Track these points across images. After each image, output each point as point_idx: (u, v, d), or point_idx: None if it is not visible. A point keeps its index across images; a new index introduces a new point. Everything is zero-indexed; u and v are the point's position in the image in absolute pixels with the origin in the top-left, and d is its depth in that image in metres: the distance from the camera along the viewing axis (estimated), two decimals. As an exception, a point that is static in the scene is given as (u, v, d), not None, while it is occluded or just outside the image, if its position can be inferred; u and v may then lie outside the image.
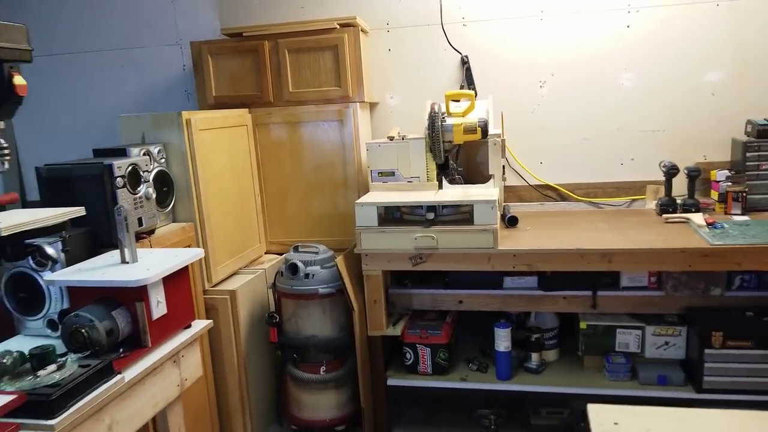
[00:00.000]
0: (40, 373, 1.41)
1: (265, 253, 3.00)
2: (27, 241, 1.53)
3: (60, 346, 1.52)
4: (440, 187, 2.63)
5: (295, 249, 2.65)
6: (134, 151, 2.23)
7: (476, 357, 2.68)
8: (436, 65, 3.05)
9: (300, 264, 2.53)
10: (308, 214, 2.94)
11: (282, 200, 2.97)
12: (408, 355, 2.59)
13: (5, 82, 1.36)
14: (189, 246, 2.39)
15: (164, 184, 2.36)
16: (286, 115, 2.89)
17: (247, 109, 2.91)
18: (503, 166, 2.70)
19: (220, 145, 2.62)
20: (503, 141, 2.69)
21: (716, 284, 2.34)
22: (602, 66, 2.91)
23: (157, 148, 2.35)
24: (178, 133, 2.41)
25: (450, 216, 2.47)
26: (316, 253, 2.59)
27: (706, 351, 2.27)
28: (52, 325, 1.79)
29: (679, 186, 2.73)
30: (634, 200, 2.95)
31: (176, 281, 1.77)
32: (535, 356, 2.55)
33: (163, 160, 2.38)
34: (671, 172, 2.68)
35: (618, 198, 2.96)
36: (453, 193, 2.54)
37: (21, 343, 1.70)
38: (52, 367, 1.43)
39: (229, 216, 2.66)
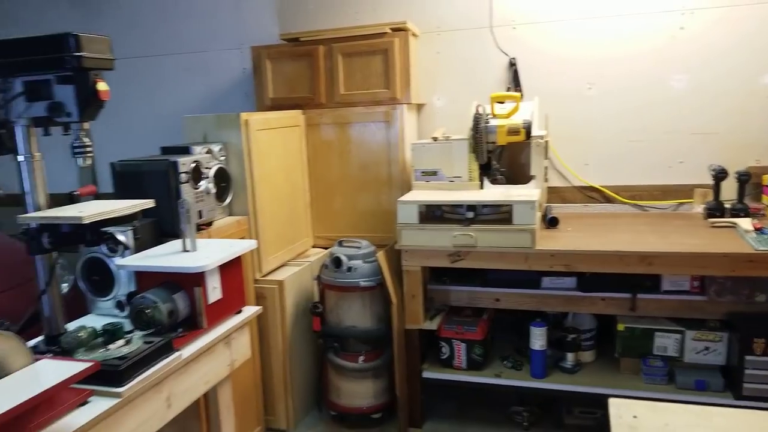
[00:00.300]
0: (110, 347, 1.60)
1: (312, 247, 3.16)
2: (102, 229, 1.72)
3: (127, 325, 1.70)
4: (482, 187, 2.70)
5: (340, 243, 2.79)
6: (197, 149, 2.42)
7: (511, 355, 2.75)
8: (483, 68, 3.12)
9: (343, 258, 2.67)
10: (353, 210, 3.08)
11: (329, 197, 3.12)
12: (444, 350, 2.68)
13: (91, 88, 1.55)
14: (243, 238, 2.57)
15: (223, 180, 2.55)
16: (336, 116, 3.04)
17: (300, 111, 3.07)
18: (545, 167, 2.75)
19: (274, 145, 2.79)
20: (546, 142, 2.74)
21: (761, 290, 2.32)
22: (653, 68, 2.91)
23: (218, 147, 2.54)
24: (236, 133, 2.59)
25: (490, 215, 2.55)
26: (359, 247, 2.73)
27: (747, 358, 2.27)
28: (120, 305, 1.99)
29: (730, 190, 2.70)
30: (681, 204, 2.93)
31: (230, 269, 1.93)
32: (570, 356, 2.60)
33: (223, 158, 2.56)
34: (720, 175, 2.66)
35: (664, 201, 2.95)
36: (494, 193, 2.62)
37: (93, 321, 1.90)
38: (121, 342, 1.62)
39: (280, 211, 2.83)
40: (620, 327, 2.50)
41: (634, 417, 1.24)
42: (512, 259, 2.45)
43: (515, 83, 3.07)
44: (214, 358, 1.86)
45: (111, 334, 1.64)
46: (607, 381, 2.51)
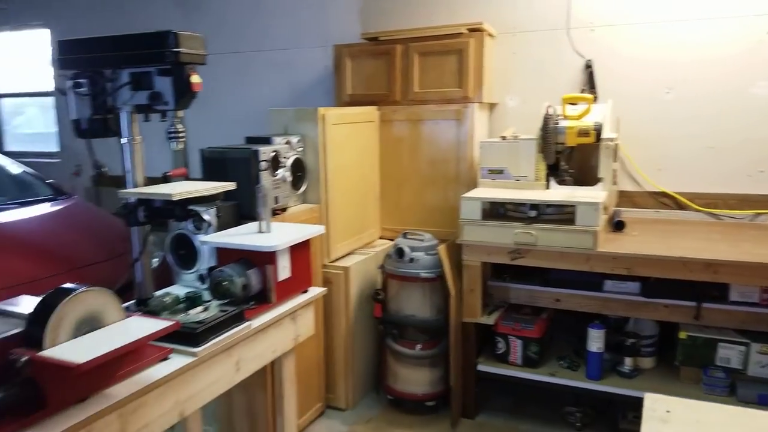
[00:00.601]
0: (190, 312, 1.79)
1: (379, 238, 3.29)
2: (190, 207, 1.92)
3: (206, 295, 1.90)
4: (548, 187, 2.73)
5: (404, 235, 2.91)
6: (277, 140, 2.61)
7: (568, 355, 2.77)
8: (558, 69, 3.13)
9: (406, 249, 2.78)
10: (421, 204, 3.18)
11: (398, 191, 3.23)
12: (500, 345, 2.74)
13: (185, 80, 1.74)
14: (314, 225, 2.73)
15: (299, 170, 2.73)
16: (409, 113, 3.15)
17: (375, 107, 3.20)
18: (614, 171, 2.74)
19: (348, 139, 2.94)
20: (616, 145, 2.72)
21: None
22: (735, 73, 2.82)
23: (296, 138, 2.72)
24: (314, 126, 2.76)
25: (553, 215, 2.58)
26: (422, 240, 2.83)
27: (816, 376, 2.18)
28: (201, 278, 2.20)
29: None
30: (759, 214, 2.82)
31: (300, 251, 2.10)
32: (628, 361, 2.58)
33: (300, 149, 2.74)
34: (802, 188, 2.55)
35: (741, 211, 2.85)
36: (559, 193, 2.64)
37: (177, 291, 2.12)
38: (199, 308, 1.82)
39: (350, 201, 2.98)
40: (682, 335, 2.47)
41: (667, 411, 1.28)
42: (573, 260, 2.48)
43: (590, 85, 3.06)
44: (280, 331, 2.03)
45: (192, 301, 1.85)
46: (665, 388, 2.46)
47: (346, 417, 2.90)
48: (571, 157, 2.89)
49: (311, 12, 3.73)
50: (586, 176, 2.86)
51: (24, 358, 1.29)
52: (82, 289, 1.40)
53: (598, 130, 2.62)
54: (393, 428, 2.79)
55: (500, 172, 2.82)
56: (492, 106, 3.31)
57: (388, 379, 2.96)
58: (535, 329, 2.70)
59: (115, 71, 1.79)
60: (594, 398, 2.64)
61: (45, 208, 3.40)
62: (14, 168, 3.87)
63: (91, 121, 1.81)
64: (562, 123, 2.69)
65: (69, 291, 1.39)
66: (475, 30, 2.99)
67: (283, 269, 2.02)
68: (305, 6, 3.75)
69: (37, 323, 1.33)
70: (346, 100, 3.31)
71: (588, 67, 3.06)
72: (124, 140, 1.82)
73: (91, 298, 1.43)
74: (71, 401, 1.35)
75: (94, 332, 1.41)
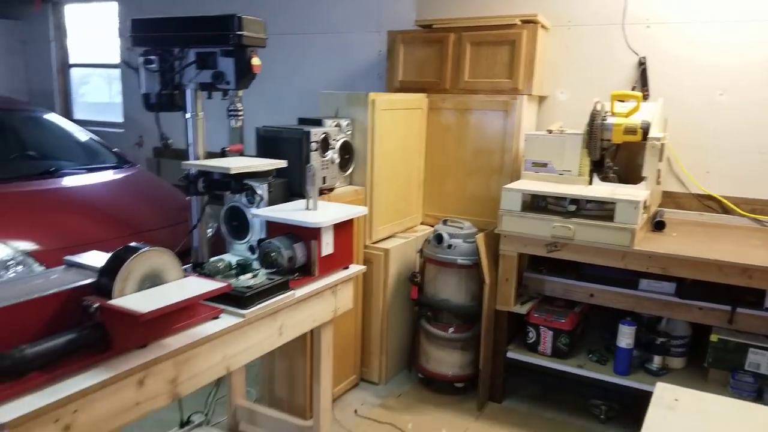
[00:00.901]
0: (240, 278, 1.94)
1: (421, 224, 3.39)
2: (245, 181, 2.07)
3: (255, 264, 2.05)
4: (590, 182, 2.76)
5: (444, 222, 3.00)
6: (328, 122, 2.73)
7: (599, 350, 2.81)
8: (611, 65, 3.13)
9: (445, 235, 2.87)
10: (463, 193, 3.25)
11: (442, 178, 3.31)
12: (530, 334, 2.81)
13: (247, 62, 1.88)
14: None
15: (347, 152, 2.84)
16: (457, 101, 3.21)
17: (425, 94, 3.28)
18: (659, 170, 2.74)
19: (396, 124, 3.04)
20: (663, 145, 2.72)
21: None
22: (794, 79, 2.76)
23: (346, 122, 2.83)
24: (363, 111, 2.86)
25: (593, 211, 2.61)
26: (461, 228, 2.91)
27: None
28: (251, 249, 2.35)
29: None
30: (807, 224, 2.78)
31: (343, 230, 2.22)
32: (657, 359, 2.61)
33: (349, 132, 2.85)
34: None
35: (788, 219, 2.82)
36: (600, 189, 2.67)
37: (229, 258, 2.28)
38: (249, 275, 1.96)
39: (394, 186, 3.08)
40: (713, 338, 2.48)
41: (675, 400, 1.34)
42: (608, 256, 2.52)
43: (642, 83, 3.05)
44: (321, 302, 2.16)
45: (242, 268, 2.00)
46: (691, 388, 2.49)
47: (378, 390, 3.03)
48: (617, 155, 2.91)
49: (369, -3, 3.82)
50: (631, 174, 2.87)
51: (95, 305, 1.46)
52: (148, 248, 1.56)
53: (645, 128, 2.63)
54: (422, 405, 2.91)
55: (544, 165, 2.86)
56: (542, 99, 3.34)
57: (421, 358, 3.07)
58: (566, 321, 2.76)
59: (182, 50, 1.94)
60: (621, 393, 2.68)
61: (110, 175, 3.65)
62: (82, 135, 4.14)
63: (159, 95, 1.97)
64: (610, 120, 2.71)
65: (136, 249, 1.55)
66: (529, 22, 3.02)
67: (327, 245, 2.14)
68: (363, -9, 3.84)
69: (107, 275, 1.50)
70: (397, 86, 3.40)
71: (641, 64, 3.05)
72: (188, 115, 1.97)
73: (155, 256, 1.58)
74: (133, 346, 1.51)
75: (156, 287, 1.57)
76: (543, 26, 3.11)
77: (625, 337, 2.60)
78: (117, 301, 1.46)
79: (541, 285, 2.86)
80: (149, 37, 1.96)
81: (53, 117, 4.28)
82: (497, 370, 2.89)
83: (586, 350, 2.85)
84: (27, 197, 3.15)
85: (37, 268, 2.60)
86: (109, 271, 1.50)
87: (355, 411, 2.83)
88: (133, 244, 1.58)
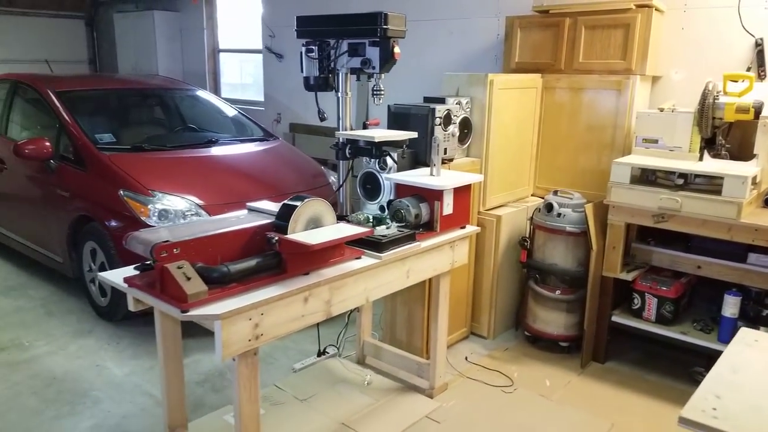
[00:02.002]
0: (378, 229, 2.35)
1: (532, 195, 3.63)
2: (384, 148, 2.46)
3: (387, 220, 2.44)
4: (701, 159, 2.88)
5: (555, 193, 3.23)
6: (450, 100, 3.05)
7: (703, 320, 2.94)
8: (727, 46, 3.17)
9: (555, 204, 3.11)
10: (574, 167, 3.45)
11: (554, 153, 3.53)
12: (636, 301, 2.99)
13: (390, 50, 2.25)
14: (475, 176, 3.16)
15: (466, 127, 3.16)
16: (571, 81, 3.40)
17: (539, 75, 3.50)
18: (772, 149, 2.79)
19: (511, 102, 3.30)
20: (777, 124, 2.77)
21: None
22: None
23: (466, 100, 3.14)
24: (482, 90, 3.16)
25: (701, 186, 2.74)
26: (571, 198, 3.14)
27: None
28: (382, 208, 2.76)
29: None
30: None
31: (461, 193, 2.56)
32: (763, 330, 2.70)
33: (468, 109, 3.16)
34: None
35: None
36: (710, 165, 2.78)
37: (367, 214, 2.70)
38: (383, 227, 2.37)
39: (507, 159, 3.36)
40: (821, 311, 2.54)
41: (756, 341, 1.55)
42: (715, 228, 2.64)
43: (759, 64, 3.07)
44: (441, 254, 2.53)
45: (378, 221, 2.41)
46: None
47: (486, 344, 3.36)
48: (729, 133, 2.98)
49: (490, -16, 4.07)
50: (744, 152, 2.94)
51: (275, 238, 1.92)
52: (312, 198, 2.00)
53: (758, 108, 2.69)
54: (528, 358, 3.20)
55: (655, 141, 3.00)
56: (655, 79, 3.43)
57: (528, 318, 3.35)
58: (671, 290, 2.91)
59: (337, 41, 2.35)
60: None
61: (257, 146, 4.24)
62: (231, 111, 4.79)
63: (317, 78, 2.40)
64: (722, 99, 2.80)
65: (303, 197, 1.99)
66: (643, 6, 3.14)
67: (447, 206, 2.49)
68: (484, -21, 4.09)
69: (283, 217, 1.95)
70: (513, 67, 3.64)
71: (758, 45, 3.07)
72: (339, 94, 2.39)
73: (317, 204, 2.02)
74: (300, 272, 1.96)
75: (318, 229, 2.01)
76: (658, 9, 3.21)
77: (730, 306, 2.72)
78: (291, 236, 1.91)
79: (648, 255, 3.02)
80: (311, 31, 2.39)
81: (207, 95, 4.99)
82: (601, 332, 3.11)
83: (691, 320, 2.98)
84: (195, 162, 3.79)
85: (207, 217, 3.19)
86: (285, 214, 1.96)
87: (466, 357, 3.18)
88: (302, 194, 2.03)
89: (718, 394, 1.29)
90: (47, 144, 3.70)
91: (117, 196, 3.30)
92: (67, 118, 3.80)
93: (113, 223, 3.30)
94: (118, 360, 3.14)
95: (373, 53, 2.25)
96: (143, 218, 3.18)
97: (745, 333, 1.60)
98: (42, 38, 7.12)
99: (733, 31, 3.14)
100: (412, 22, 4.55)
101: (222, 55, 6.55)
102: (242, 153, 4.10)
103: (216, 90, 6.49)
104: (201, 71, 6.51)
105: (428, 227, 2.49)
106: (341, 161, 2.44)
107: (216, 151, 4.03)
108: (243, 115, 4.76)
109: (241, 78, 6.75)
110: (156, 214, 3.20)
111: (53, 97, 3.95)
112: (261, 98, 5.96)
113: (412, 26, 4.54)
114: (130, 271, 1.93)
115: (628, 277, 3.00)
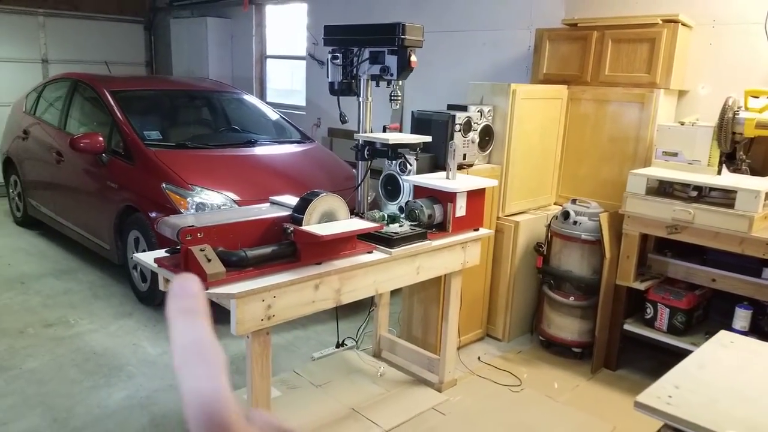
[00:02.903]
0: (390, 226, 2.50)
1: (554, 204, 3.70)
2: (399, 150, 2.61)
3: (402, 219, 2.59)
4: (719, 173, 2.90)
5: (573, 201, 3.30)
6: (472, 108, 3.18)
7: (715, 332, 2.94)
8: (753, 62, 3.19)
9: (572, 212, 3.18)
10: (596, 177, 3.52)
11: (577, 163, 3.60)
12: (648, 310, 3.03)
13: (407, 59, 2.40)
14: (495, 182, 3.27)
15: (487, 134, 3.27)
16: (596, 93, 3.47)
17: (566, 86, 3.58)
18: (793, 165, 2.80)
19: (534, 112, 3.39)
20: (799, 141, 2.78)
21: None
22: None
23: (488, 108, 3.26)
24: (505, 99, 3.27)
25: (716, 199, 2.77)
26: (588, 207, 3.20)
27: None
28: (400, 209, 2.90)
29: None
30: None
31: (475, 197, 2.68)
32: (772, 343, 2.71)
33: (490, 117, 3.28)
34: None
35: None
36: (726, 179, 2.81)
37: (383, 212, 2.86)
38: (396, 224, 2.51)
39: (528, 167, 3.45)
40: (832, 328, 2.53)
41: (731, 342, 1.62)
42: (726, 241, 2.67)
43: (787, 79, 3.07)
44: (452, 254, 2.65)
45: (392, 219, 2.56)
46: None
47: (501, 346, 3.45)
48: (751, 148, 2.99)
49: (522, -2, 4.19)
50: (765, 168, 2.95)
51: (291, 228, 2.09)
52: (327, 193, 2.17)
53: (779, 123, 2.72)
54: (539, 361, 3.28)
55: (674, 154, 3.04)
56: (681, 93, 3.46)
57: (542, 322, 3.42)
58: (684, 301, 2.94)
59: (360, 49, 2.52)
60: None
61: (294, 148, 4.46)
62: (273, 115, 5.03)
63: (341, 83, 2.57)
64: (742, 114, 2.83)
65: (319, 193, 2.16)
66: (670, 21, 3.19)
67: (460, 208, 2.62)
68: (518, -8, 4.21)
69: (300, 210, 2.13)
70: (541, 78, 3.73)
71: (788, 61, 3.07)
72: (360, 99, 2.56)
73: (331, 200, 2.19)
74: (312, 261, 2.13)
75: (331, 222, 2.18)
76: (685, 25, 3.25)
77: (740, 319, 2.74)
78: (305, 228, 2.08)
79: (664, 266, 3.06)
80: (337, 39, 2.57)
81: (252, 99, 5.25)
82: (613, 339, 3.16)
83: (704, 332, 2.99)
84: (234, 160, 4.04)
85: (241, 214, 3.41)
86: (301, 207, 2.13)
87: (479, 357, 3.28)
88: (317, 189, 2.20)
89: (677, 385, 1.37)
90: (100, 139, 4.01)
91: (160, 188, 3.56)
92: (119, 115, 4.11)
93: (155, 214, 3.56)
94: (154, 340, 3.38)
95: (391, 61, 2.40)
96: (182, 210, 3.43)
97: (723, 335, 1.67)
98: (103, 40, 7.59)
99: (761, 47, 3.15)
100: (448, 33, 4.73)
101: (272, 61, 6.84)
102: (278, 153, 4.33)
103: (262, 94, 6.79)
104: (249, 76, 6.81)
105: (441, 227, 2.62)
106: (360, 161, 2.60)
107: (254, 151, 4.27)
108: (283, 118, 5.00)
109: (291, 84, 7.03)
110: (194, 206, 3.45)
111: (108, 96, 4.28)
112: (304, 103, 6.21)
113: (447, 37, 4.73)
114: (162, 254, 2.14)
115: (641, 286, 3.05)
